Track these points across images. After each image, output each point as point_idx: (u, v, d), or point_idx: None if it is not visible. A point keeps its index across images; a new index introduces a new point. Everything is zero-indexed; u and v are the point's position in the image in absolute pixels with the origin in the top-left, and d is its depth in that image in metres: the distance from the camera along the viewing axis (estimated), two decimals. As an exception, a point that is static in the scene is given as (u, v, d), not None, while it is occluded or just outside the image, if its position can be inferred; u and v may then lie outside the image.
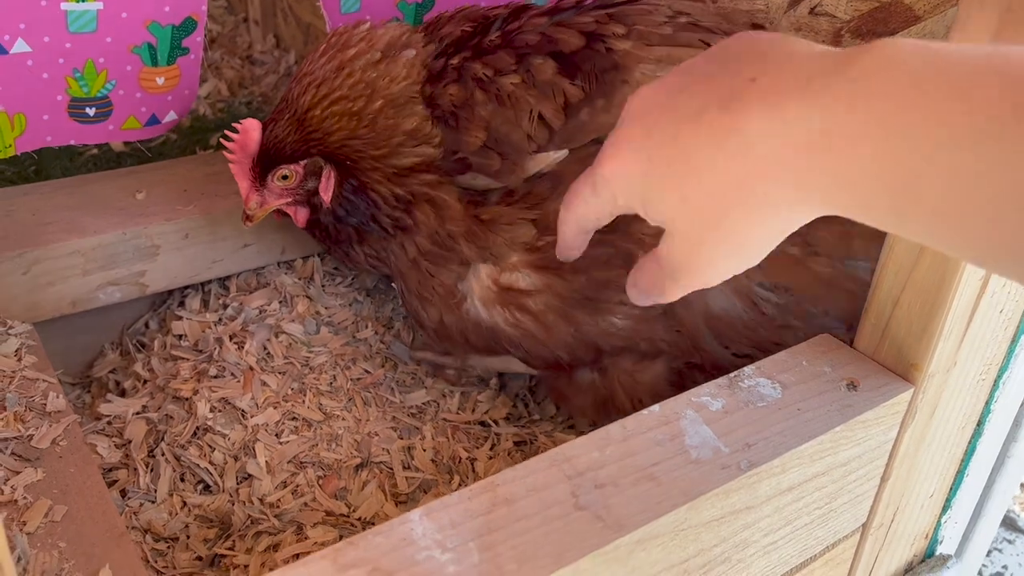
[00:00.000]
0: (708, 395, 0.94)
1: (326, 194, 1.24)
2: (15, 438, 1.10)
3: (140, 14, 1.30)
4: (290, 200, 1.27)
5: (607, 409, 1.23)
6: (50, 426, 1.13)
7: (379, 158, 1.19)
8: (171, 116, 1.42)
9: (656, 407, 0.92)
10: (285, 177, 1.23)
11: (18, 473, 1.06)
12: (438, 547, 0.74)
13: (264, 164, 1.22)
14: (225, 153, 1.24)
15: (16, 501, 1.02)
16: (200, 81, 2.26)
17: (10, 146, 1.29)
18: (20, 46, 1.23)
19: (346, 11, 1.48)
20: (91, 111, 1.34)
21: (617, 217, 1.09)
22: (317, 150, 1.21)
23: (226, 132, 1.23)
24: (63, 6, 1.23)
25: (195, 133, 2.06)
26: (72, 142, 1.36)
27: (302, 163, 1.22)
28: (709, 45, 1.05)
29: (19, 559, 0.95)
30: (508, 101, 1.12)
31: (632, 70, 1.09)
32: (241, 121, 1.22)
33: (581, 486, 0.82)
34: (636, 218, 1.08)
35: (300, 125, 1.19)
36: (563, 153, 1.12)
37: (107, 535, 1.00)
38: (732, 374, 0.98)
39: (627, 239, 1.11)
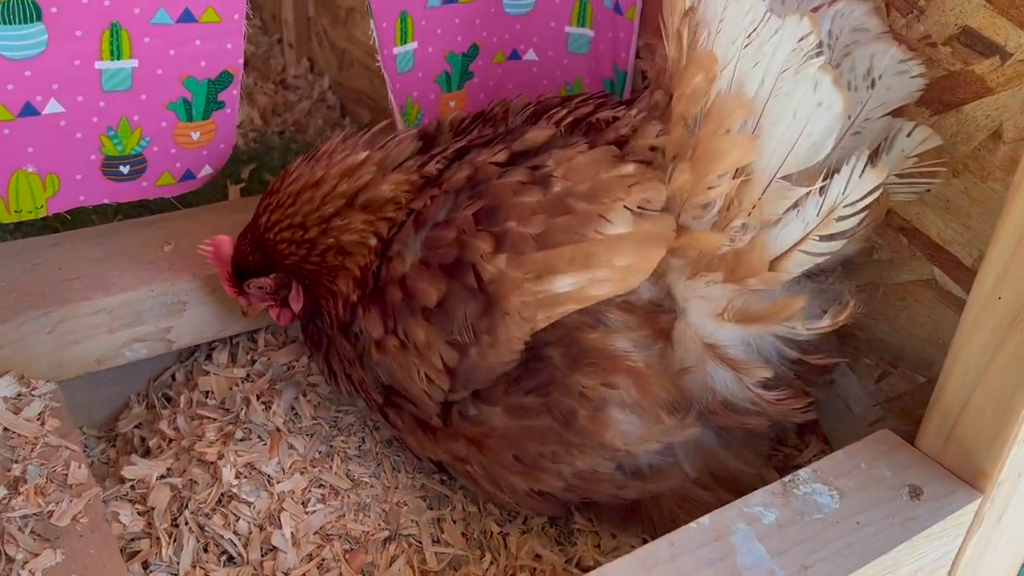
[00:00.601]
0: (761, 505, 0.89)
1: (295, 304, 1.25)
2: (35, 515, 1.06)
3: (176, 70, 1.26)
4: (272, 303, 1.28)
5: (636, 518, 1.18)
6: (71, 501, 1.09)
7: (333, 291, 1.19)
8: (206, 170, 1.38)
9: (706, 519, 0.86)
10: (260, 287, 1.24)
11: (36, 556, 1.02)
12: None
13: (237, 275, 1.24)
14: (207, 261, 1.26)
15: (33, 588, 0.99)
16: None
17: (42, 207, 1.26)
18: (53, 106, 1.20)
19: (402, 71, 1.44)
20: (125, 169, 1.30)
21: (555, 366, 1.01)
22: (278, 269, 1.21)
23: (202, 245, 1.26)
24: (97, 65, 1.20)
25: (228, 165, 2.01)
26: (106, 201, 1.32)
27: (272, 276, 1.23)
28: (597, 234, 0.99)
29: (34, 656, 0.92)
30: (396, 362, 1.11)
31: (508, 299, 1.02)
32: (213, 239, 1.24)
33: (627, 617, 0.76)
34: (576, 367, 1.01)
35: (259, 245, 1.20)
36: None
37: (126, 628, 0.96)
38: (787, 479, 0.92)
39: (567, 394, 1.04)
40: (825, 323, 0.99)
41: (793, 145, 0.92)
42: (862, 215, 0.92)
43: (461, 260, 1.03)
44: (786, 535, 0.86)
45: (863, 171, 0.90)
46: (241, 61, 1.30)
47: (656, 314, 1.03)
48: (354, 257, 1.15)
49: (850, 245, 1.10)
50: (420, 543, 1.22)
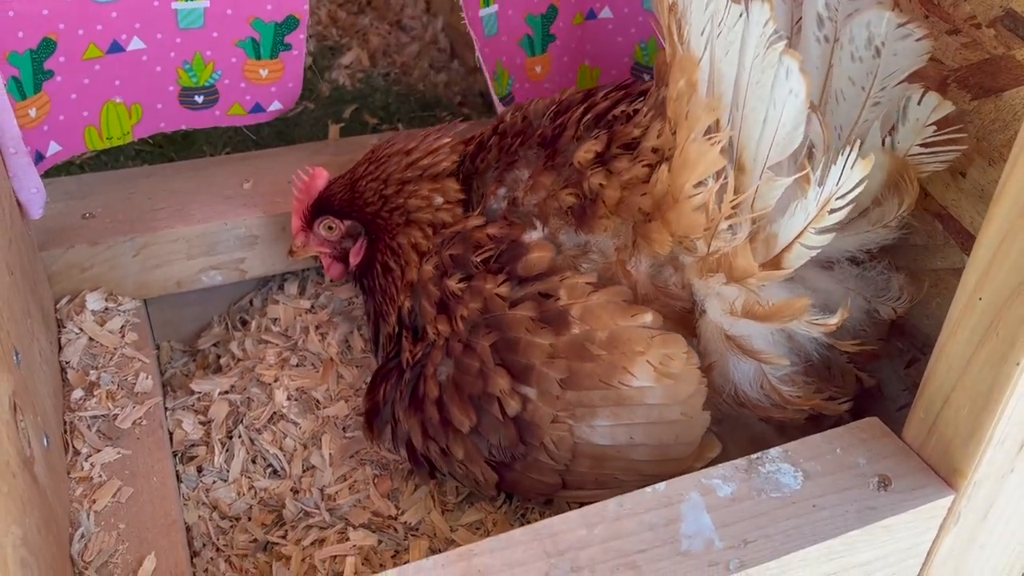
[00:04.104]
0: (720, 477, 0.92)
1: (355, 258, 1.34)
2: (103, 416, 1.22)
3: (244, 11, 1.37)
4: (328, 251, 1.37)
5: None
6: (134, 407, 1.24)
7: (392, 247, 1.27)
8: (276, 106, 1.49)
9: (662, 485, 0.90)
10: (330, 228, 1.34)
11: (99, 451, 1.18)
12: (400, 614, 0.78)
13: (316, 210, 1.33)
14: (293, 189, 1.35)
15: (92, 479, 1.14)
16: (344, 49, 2.34)
17: (128, 133, 1.40)
18: (136, 43, 1.33)
19: (489, 35, 1.48)
20: (200, 99, 1.43)
21: None
22: (357, 215, 1.31)
23: (298, 172, 1.35)
24: (173, 5, 1.32)
25: (332, 104, 2.14)
26: (183, 127, 1.45)
27: (346, 222, 1.32)
28: (623, 385, 1.01)
29: (82, 536, 1.07)
30: (440, 461, 1.19)
31: (543, 430, 1.06)
32: (313, 168, 1.34)
33: (557, 567, 0.82)
34: None
35: (351, 188, 1.30)
36: None
37: (161, 523, 1.10)
38: (755, 455, 0.94)
39: None
40: (832, 321, 0.98)
41: (774, 135, 0.91)
42: (850, 208, 0.91)
43: (486, 392, 1.08)
44: (737, 509, 0.88)
45: (855, 162, 0.88)
46: (306, 7, 1.40)
47: (688, 313, 1.06)
48: (412, 229, 1.24)
49: (891, 232, 1.09)
50: (442, 475, 1.31)
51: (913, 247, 1.17)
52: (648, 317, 1.03)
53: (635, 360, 1.01)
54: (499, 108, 1.51)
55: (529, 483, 1.13)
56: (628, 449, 1.04)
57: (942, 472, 0.93)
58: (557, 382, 1.04)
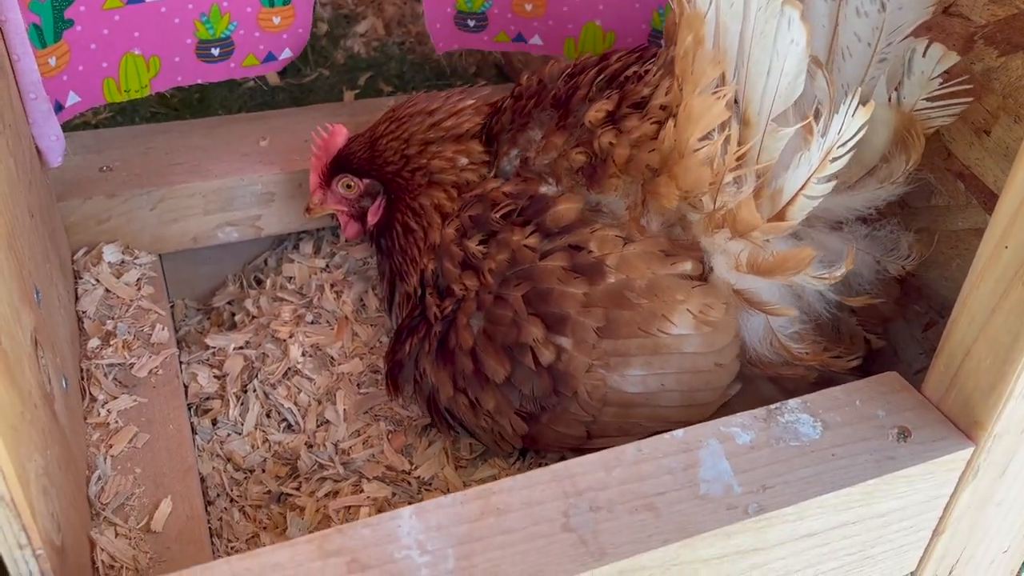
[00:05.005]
0: (739, 426, 0.91)
1: (373, 217, 1.34)
2: (119, 364, 1.23)
3: None
4: (345, 209, 1.37)
5: None
6: (151, 357, 1.24)
7: (413, 208, 1.28)
8: (287, 53, 1.49)
9: (680, 432, 0.90)
10: (348, 186, 1.34)
11: (115, 398, 1.18)
12: (418, 548, 0.78)
13: (335, 168, 1.34)
14: (312, 146, 1.35)
15: (109, 424, 1.14)
16: (360, 18, 2.33)
17: (145, 86, 1.40)
18: None
19: None
20: (215, 51, 1.43)
21: None
22: (376, 174, 1.31)
23: (317, 128, 1.35)
24: None
25: (347, 72, 2.14)
26: (199, 81, 1.45)
27: (365, 181, 1.33)
28: (661, 333, 1.01)
29: (99, 478, 1.07)
30: (466, 415, 1.19)
31: (577, 379, 1.05)
32: (332, 125, 1.34)
33: (576, 506, 0.82)
34: None
35: (371, 147, 1.31)
36: None
37: (177, 468, 1.10)
38: (774, 406, 0.94)
39: None
40: (838, 273, 0.99)
41: (777, 85, 0.91)
42: (850, 155, 0.92)
43: (519, 342, 1.08)
44: (755, 456, 0.88)
45: (856, 110, 0.89)
46: None
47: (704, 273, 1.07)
48: (435, 191, 1.24)
49: (898, 188, 1.09)
50: (457, 433, 1.31)
51: (934, 208, 1.16)
52: (688, 265, 1.03)
53: (675, 308, 1.01)
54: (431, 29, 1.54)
55: (553, 435, 1.13)
56: (657, 396, 1.05)
57: (962, 425, 0.92)
58: (593, 330, 1.04)
